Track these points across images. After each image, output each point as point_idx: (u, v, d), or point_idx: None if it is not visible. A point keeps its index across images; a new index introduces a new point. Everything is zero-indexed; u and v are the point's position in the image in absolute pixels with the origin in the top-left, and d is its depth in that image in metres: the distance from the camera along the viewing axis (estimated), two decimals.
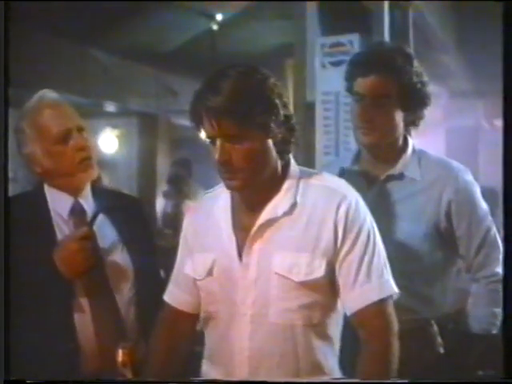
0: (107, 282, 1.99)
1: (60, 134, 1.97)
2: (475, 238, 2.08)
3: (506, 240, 1.84)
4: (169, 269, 1.94)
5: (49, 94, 2.05)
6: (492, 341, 2.03)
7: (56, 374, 1.78)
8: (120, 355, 1.69)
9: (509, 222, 1.80)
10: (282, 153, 1.70)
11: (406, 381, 1.70)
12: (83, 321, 1.94)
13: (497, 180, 1.86)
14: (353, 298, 1.67)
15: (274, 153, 1.68)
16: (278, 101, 1.64)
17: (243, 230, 1.71)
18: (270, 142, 1.66)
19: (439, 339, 2.09)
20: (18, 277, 1.84)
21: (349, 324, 1.72)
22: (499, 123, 1.88)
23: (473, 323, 2.08)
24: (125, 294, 2.02)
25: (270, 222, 1.69)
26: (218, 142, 1.63)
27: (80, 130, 2.01)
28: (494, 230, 2.10)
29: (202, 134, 1.68)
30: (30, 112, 2.02)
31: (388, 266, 1.71)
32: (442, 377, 2.00)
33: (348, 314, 1.70)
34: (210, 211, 1.78)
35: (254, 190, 1.69)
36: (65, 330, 1.92)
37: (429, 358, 2.06)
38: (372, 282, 1.67)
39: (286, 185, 1.71)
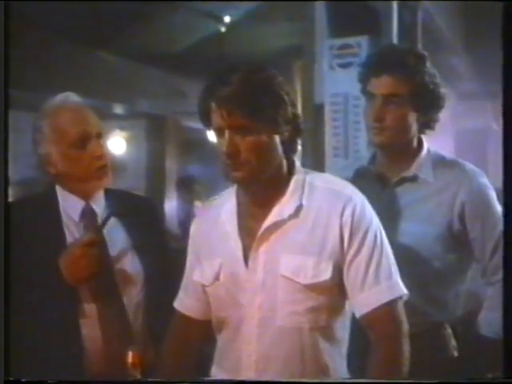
0: (116, 286, 1.98)
1: (78, 139, 1.96)
2: (490, 241, 2.05)
3: (506, 240, 1.83)
4: (179, 270, 1.93)
5: (72, 97, 2.03)
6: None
7: (58, 375, 1.78)
8: (130, 357, 1.69)
9: (509, 223, 1.79)
10: (289, 152, 1.71)
11: (422, 381, 1.69)
12: (90, 324, 1.94)
13: None
14: (362, 301, 1.66)
15: (280, 150, 1.68)
16: (286, 97, 1.65)
17: (249, 234, 1.70)
18: (277, 138, 1.66)
19: (453, 342, 2.08)
20: (24, 277, 1.84)
21: (357, 326, 1.72)
22: None
23: (487, 327, 2.05)
24: (134, 297, 2.02)
25: (276, 225, 1.68)
26: (227, 134, 1.62)
27: (99, 136, 2.00)
28: None
29: (210, 132, 1.68)
30: (50, 112, 2.00)
31: (396, 266, 1.70)
32: (455, 379, 1.99)
33: (357, 316, 1.69)
34: (217, 217, 1.78)
35: (260, 188, 1.70)
36: (69, 333, 1.91)
37: (442, 361, 2.04)
38: (381, 283, 1.66)
39: (292, 187, 1.70)
